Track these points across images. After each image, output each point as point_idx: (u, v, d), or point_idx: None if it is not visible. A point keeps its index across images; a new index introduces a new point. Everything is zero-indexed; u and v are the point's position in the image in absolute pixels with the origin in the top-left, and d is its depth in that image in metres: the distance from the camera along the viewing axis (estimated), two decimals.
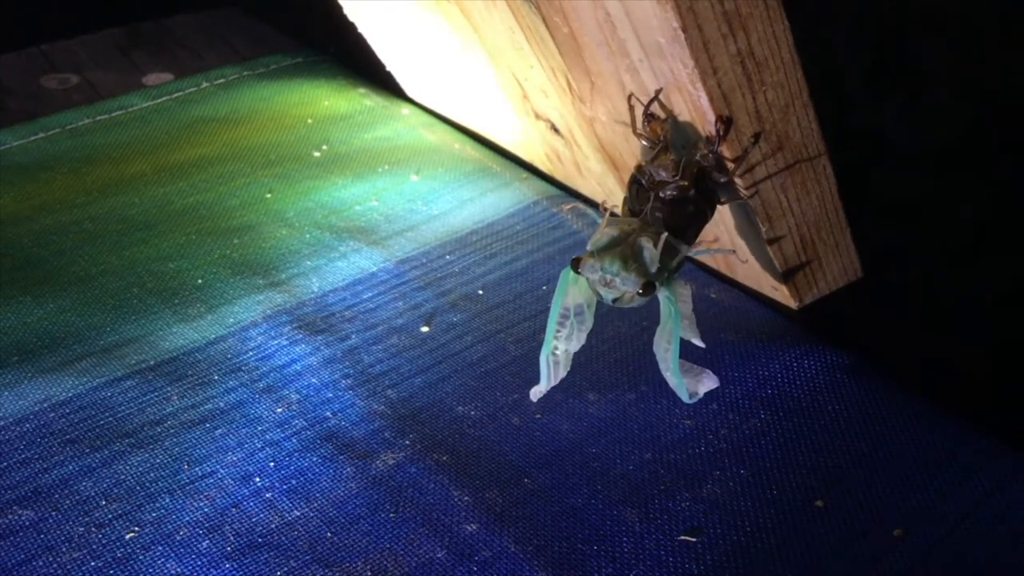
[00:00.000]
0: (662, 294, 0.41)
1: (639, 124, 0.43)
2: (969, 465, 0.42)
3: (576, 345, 0.44)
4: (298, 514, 0.41)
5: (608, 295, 0.40)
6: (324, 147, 0.66)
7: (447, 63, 0.62)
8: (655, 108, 0.42)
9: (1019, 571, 0.38)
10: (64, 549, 0.40)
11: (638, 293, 0.39)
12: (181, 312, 0.52)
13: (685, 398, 0.41)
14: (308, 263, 0.55)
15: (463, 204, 0.60)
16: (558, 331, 0.42)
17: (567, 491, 0.42)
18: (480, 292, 0.53)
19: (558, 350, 0.43)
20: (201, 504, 0.41)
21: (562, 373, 0.44)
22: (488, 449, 0.44)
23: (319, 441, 0.44)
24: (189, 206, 0.60)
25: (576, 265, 0.39)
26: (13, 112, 0.70)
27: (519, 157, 0.65)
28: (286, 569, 0.39)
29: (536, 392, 0.44)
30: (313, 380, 0.47)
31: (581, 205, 0.59)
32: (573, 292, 0.42)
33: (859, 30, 0.63)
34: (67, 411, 0.46)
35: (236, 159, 0.65)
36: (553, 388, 0.46)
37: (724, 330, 0.49)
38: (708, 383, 0.42)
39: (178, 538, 0.40)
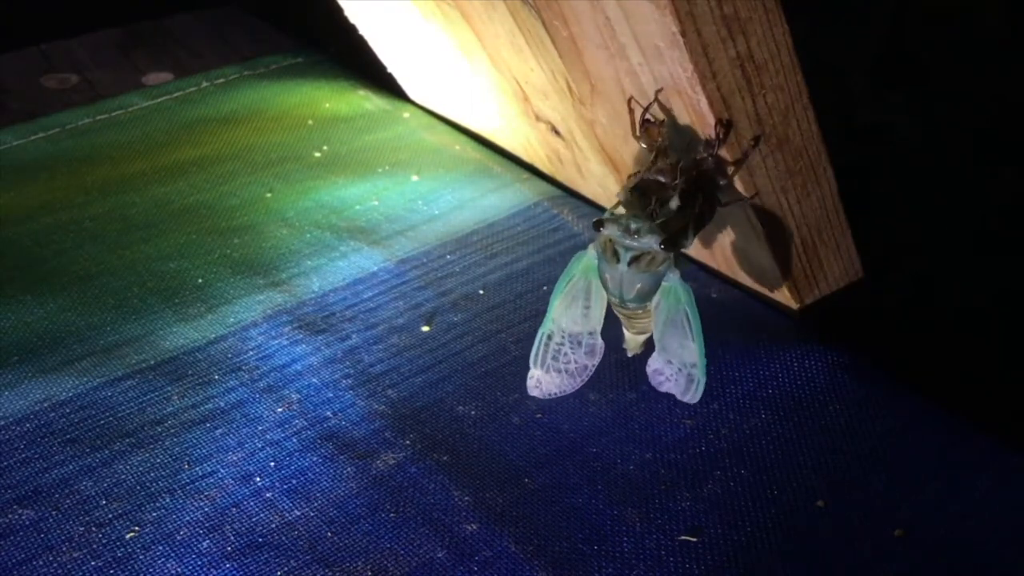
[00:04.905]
0: (670, 279, 0.41)
1: (638, 128, 0.43)
2: (969, 465, 0.42)
3: (588, 360, 0.45)
4: (298, 514, 0.41)
5: (627, 255, 0.40)
6: (324, 147, 0.66)
7: (448, 65, 0.62)
8: (654, 112, 0.43)
9: (1020, 571, 0.38)
10: (64, 549, 0.40)
11: (660, 247, 0.40)
12: (181, 312, 0.52)
13: (703, 381, 0.43)
14: (308, 263, 0.55)
15: (464, 204, 0.60)
16: (558, 317, 0.44)
17: (567, 491, 0.42)
18: (481, 292, 0.53)
19: (555, 340, 0.44)
20: (201, 504, 0.41)
21: (567, 381, 0.45)
22: (488, 449, 0.44)
23: (319, 441, 0.44)
24: (189, 206, 0.60)
25: (598, 224, 0.40)
26: (13, 112, 0.70)
27: (520, 158, 0.65)
28: (286, 569, 0.39)
29: (529, 378, 0.45)
30: (313, 380, 0.47)
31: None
32: (576, 285, 0.43)
33: (860, 31, 0.63)
34: (67, 411, 0.46)
35: (236, 159, 0.65)
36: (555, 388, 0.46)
37: (725, 330, 0.49)
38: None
39: (178, 538, 0.40)
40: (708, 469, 0.42)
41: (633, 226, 0.40)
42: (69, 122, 0.68)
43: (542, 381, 0.45)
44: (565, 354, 0.45)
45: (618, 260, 0.41)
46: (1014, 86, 0.59)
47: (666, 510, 0.41)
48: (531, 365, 0.45)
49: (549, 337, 0.44)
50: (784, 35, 0.40)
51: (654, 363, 0.45)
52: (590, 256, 0.43)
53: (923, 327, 0.52)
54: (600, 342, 0.45)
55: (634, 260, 0.41)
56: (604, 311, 0.44)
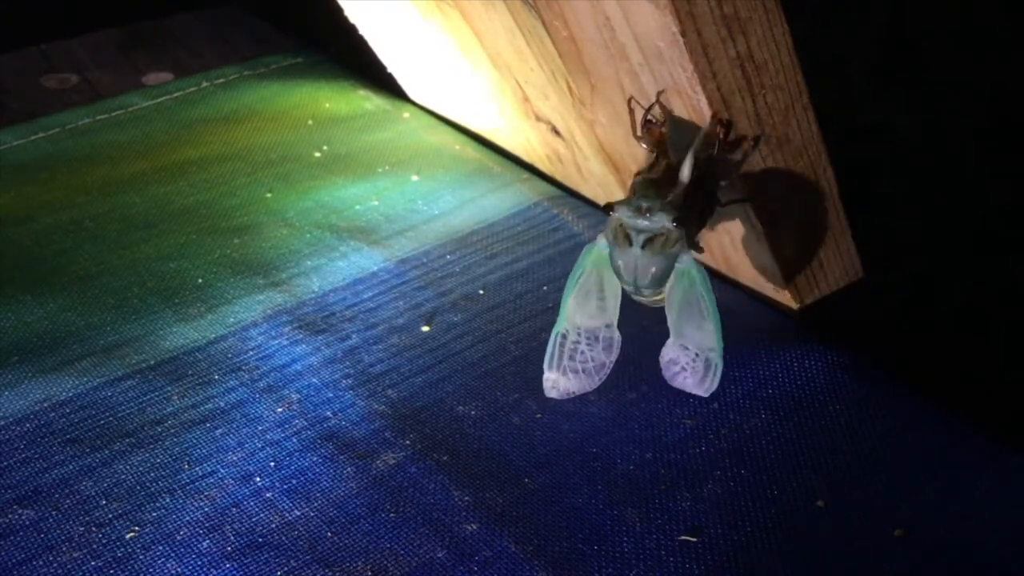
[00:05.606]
0: (683, 261, 0.41)
1: (640, 128, 0.43)
2: (969, 465, 0.42)
3: (606, 356, 0.44)
4: (298, 514, 0.41)
5: (640, 237, 0.40)
6: (325, 147, 0.66)
7: (448, 65, 0.62)
8: (655, 113, 0.43)
9: (1020, 571, 0.38)
10: (64, 549, 0.40)
11: (672, 224, 0.39)
12: (181, 312, 0.52)
13: (720, 367, 0.42)
14: (308, 263, 0.55)
15: (464, 204, 0.60)
16: (574, 314, 0.43)
17: (567, 491, 0.42)
18: (481, 292, 0.53)
19: (571, 339, 0.43)
20: (201, 504, 0.41)
21: (585, 381, 0.44)
22: (488, 449, 0.44)
23: (319, 441, 0.44)
24: (189, 206, 0.60)
25: (608, 207, 0.40)
26: (13, 112, 0.70)
27: (520, 158, 0.65)
28: (286, 569, 0.39)
29: (545, 381, 0.44)
30: (313, 380, 0.47)
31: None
32: (590, 277, 0.43)
33: (860, 30, 0.63)
34: (67, 411, 0.46)
35: (236, 159, 0.65)
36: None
37: (724, 330, 0.49)
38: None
39: (178, 538, 0.40)
40: (708, 469, 0.42)
41: (645, 205, 0.39)
42: (69, 122, 0.68)
43: (559, 384, 0.44)
44: (582, 352, 0.44)
45: (631, 244, 0.40)
46: (1013, 87, 0.59)
47: (666, 510, 0.41)
48: (546, 368, 0.44)
49: (564, 336, 0.44)
50: (784, 35, 0.41)
51: (668, 352, 0.44)
52: (600, 247, 0.42)
53: (923, 327, 0.52)
54: (617, 335, 0.44)
55: (648, 242, 0.40)
56: (619, 302, 0.43)
